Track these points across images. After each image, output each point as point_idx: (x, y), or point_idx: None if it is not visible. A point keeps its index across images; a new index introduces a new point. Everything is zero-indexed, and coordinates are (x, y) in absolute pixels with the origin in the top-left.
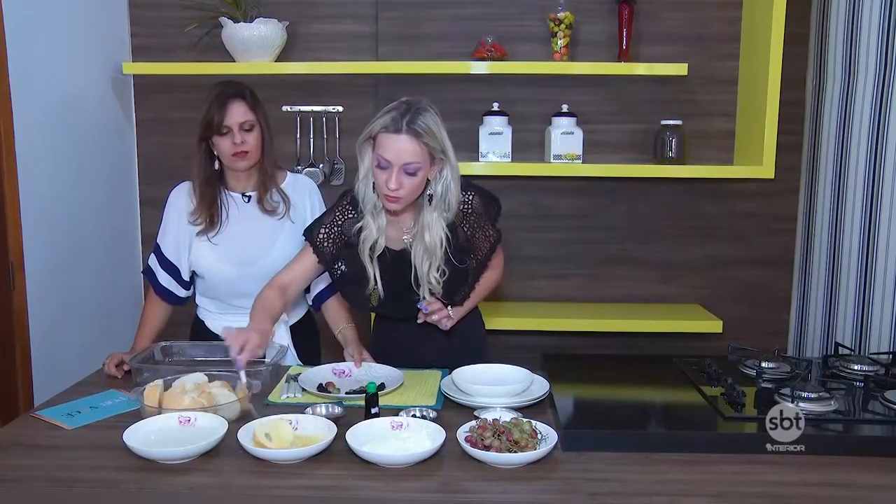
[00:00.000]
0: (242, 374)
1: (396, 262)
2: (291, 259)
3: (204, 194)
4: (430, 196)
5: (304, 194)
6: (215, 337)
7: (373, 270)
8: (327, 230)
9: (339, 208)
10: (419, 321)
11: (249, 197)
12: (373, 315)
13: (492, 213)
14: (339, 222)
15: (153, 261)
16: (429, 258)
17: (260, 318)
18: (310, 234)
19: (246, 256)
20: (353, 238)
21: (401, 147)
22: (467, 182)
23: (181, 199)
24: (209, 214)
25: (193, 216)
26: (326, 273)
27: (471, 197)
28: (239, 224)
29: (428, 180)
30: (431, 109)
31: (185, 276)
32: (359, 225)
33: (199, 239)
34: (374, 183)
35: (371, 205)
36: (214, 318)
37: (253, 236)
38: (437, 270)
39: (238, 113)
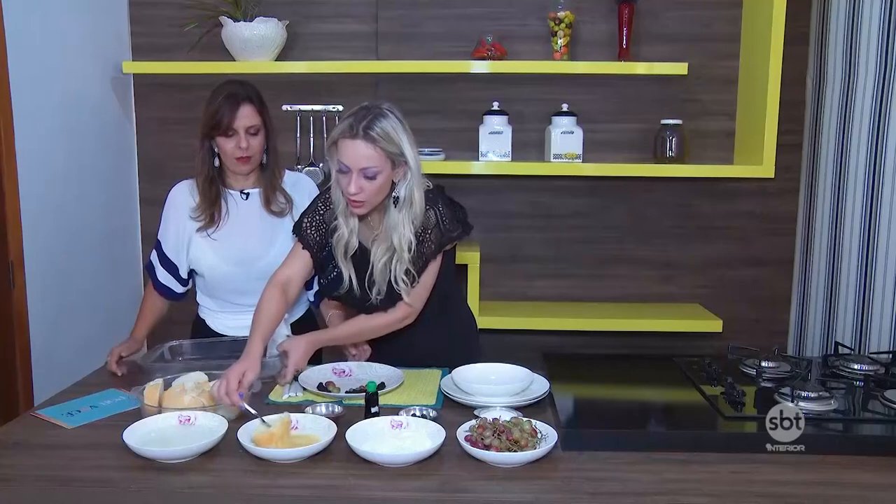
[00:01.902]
0: (246, 406)
1: (366, 259)
2: (287, 254)
3: (206, 192)
4: (396, 198)
5: (304, 194)
6: (216, 335)
7: (348, 271)
8: (310, 219)
9: (322, 199)
10: (276, 350)
11: (248, 195)
12: None
13: (442, 235)
14: (322, 211)
15: (154, 257)
16: (397, 259)
17: (254, 341)
18: (296, 228)
19: (245, 255)
20: (331, 232)
21: (357, 152)
22: (437, 198)
23: (181, 197)
24: (211, 212)
25: (196, 212)
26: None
27: (425, 209)
28: (238, 222)
29: (394, 183)
30: (392, 114)
31: (184, 274)
32: (334, 223)
33: (200, 236)
34: None
35: (342, 206)
36: (216, 316)
37: (252, 234)
38: (407, 274)
39: (246, 116)
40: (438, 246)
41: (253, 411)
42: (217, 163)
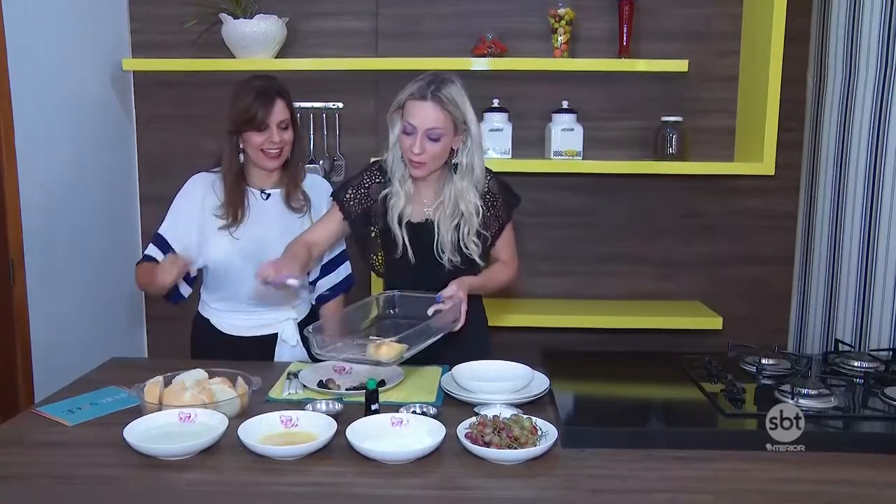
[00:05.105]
0: (292, 281)
1: (417, 234)
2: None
3: (233, 189)
4: (456, 165)
5: (321, 195)
6: (219, 336)
7: (402, 236)
8: (354, 191)
9: (368, 172)
10: (429, 312)
11: (269, 195)
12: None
13: (508, 202)
14: (367, 185)
15: (157, 253)
16: (465, 224)
17: (286, 256)
18: (337, 194)
19: (264, 254)
20: (376, 205)
21: (425, 113)
22: (490, 170)
23: (199, 191)
24: (236, 210)
25: (220, 210)
26: (332, 275)
27: (488, 178)
28: (257, 221)
29: (454, 151)
30: (457, 83)
31: (192, 272)
32: (385, 192)
33: (220, 233)
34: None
35: (399, 173)
36: (222, 315)
37: (271, 234)
38: (478, 236)
39: (278, 111)
40: (511, 205)
41: (298, 284)
42: (241, 159)
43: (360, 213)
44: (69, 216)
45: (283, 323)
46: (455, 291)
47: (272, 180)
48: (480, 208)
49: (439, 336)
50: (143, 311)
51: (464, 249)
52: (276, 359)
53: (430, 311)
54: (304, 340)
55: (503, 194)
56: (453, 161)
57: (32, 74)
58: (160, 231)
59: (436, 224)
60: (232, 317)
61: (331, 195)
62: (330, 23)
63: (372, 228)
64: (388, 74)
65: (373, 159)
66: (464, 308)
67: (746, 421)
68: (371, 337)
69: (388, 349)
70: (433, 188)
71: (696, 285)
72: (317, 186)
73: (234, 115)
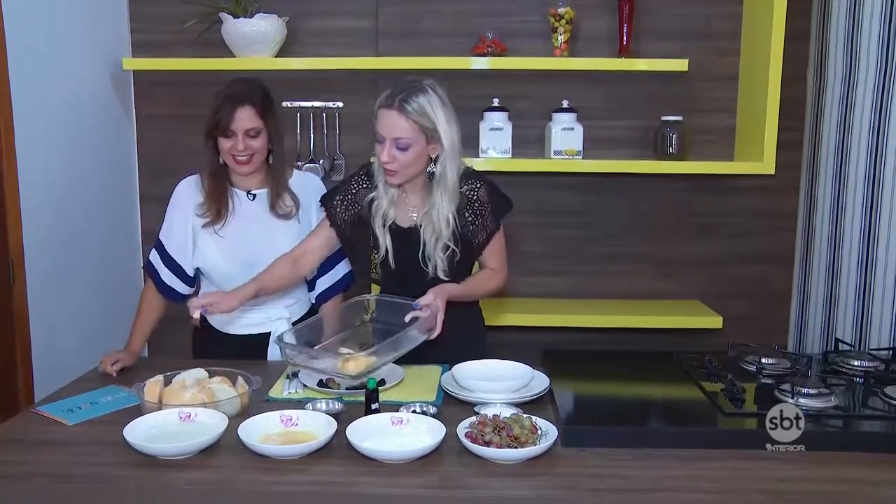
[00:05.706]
0: (196, 318)
1: (403, 239)
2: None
3: (211, 188)
4: (432, 174)
5: (311, 194)
6: (218, 335)
7: (384, 241)
8: (342, 197)
9: (356, 178)
10: (406, 319)
11: (255, 196)
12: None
13: (498, 210)
14: (354, 191)
15: (155, 257)
16: (436, 236)
17: (248, 286)
18: (324, 201)
19: (249, 256)
20: (363, 208)
21: (390, 122)
22: (482, 176)
23: (187, 192)
24: (217, 208)
25: (201, 208)
26: (329, 274)
27: (478, 186)
28: (244, 222)
29: (433, 159)
30: (431, 91)
31: (189, 272)
32: (371, 195)
33: (206, 232)
34: None
35: (384, 177)
36: (218, 315)
37: (258, 236)
38: (445, 250)
39: (245, 119)
40: (501, 214)
41: (197, 325)
42: (222, 160)
43: (347, 220)
44: (69, 216)
45: (275, 322)
46: (432, 300)
47: (257, 181)
48: (452, 221)
49: (412, 347)
50: None
51: (437, 261)
52: (268, 358)
53: (406, 318)
54: None
55: (493, 202)
56: (428, 169)
57: (32, 74)
58: (160, 236)
59: (422, 232)
60: (227, 316)
61: (320, 201)
62: (330, 22)
63: (369, 231)
64: (388, 74)
65: (372, 159)
66: (440, 317)
67: (746, 420)
68: (341, 349)
69: (356, 364)
70: (419, 195)
71: (697, 285)
72: (306, 185)
73: (207, 118)
